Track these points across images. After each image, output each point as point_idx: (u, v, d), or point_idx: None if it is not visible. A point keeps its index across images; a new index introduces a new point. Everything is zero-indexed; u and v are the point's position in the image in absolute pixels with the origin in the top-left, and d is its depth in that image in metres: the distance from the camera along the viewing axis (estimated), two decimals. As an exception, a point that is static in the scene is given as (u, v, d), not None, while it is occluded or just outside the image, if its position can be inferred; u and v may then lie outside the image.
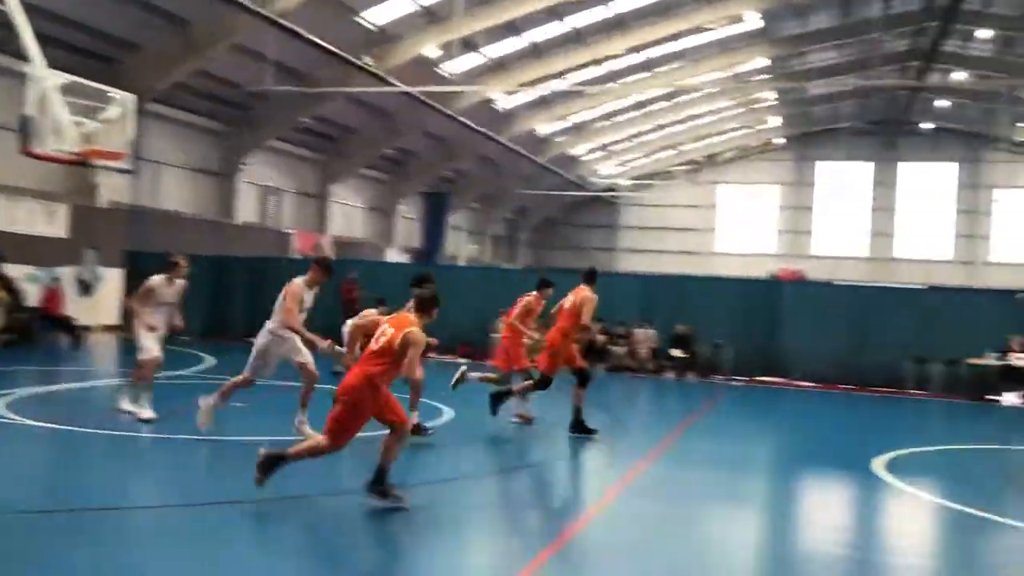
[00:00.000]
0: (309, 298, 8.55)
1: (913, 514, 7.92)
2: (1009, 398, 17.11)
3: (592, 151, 44.05)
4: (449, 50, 26.75)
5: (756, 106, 42.28)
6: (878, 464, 9.21)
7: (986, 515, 7.36)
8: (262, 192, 29.70)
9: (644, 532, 6.48)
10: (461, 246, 42.77)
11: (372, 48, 25.08)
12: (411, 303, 7.29)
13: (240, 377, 8.67)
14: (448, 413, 11.07)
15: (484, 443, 9.75)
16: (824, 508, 8.20)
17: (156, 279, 9.25)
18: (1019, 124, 42.31)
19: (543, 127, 36.80)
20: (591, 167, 45.92)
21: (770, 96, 40.47)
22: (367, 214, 36.34)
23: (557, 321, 10.22)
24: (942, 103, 42.23)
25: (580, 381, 10.04)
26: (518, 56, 29.89)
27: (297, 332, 8.36)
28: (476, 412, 10.42)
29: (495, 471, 8.45)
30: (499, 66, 29.92)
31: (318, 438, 6.43)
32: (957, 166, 46.56)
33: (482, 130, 31.14)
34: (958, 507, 7.74)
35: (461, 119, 29.57)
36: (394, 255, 35.14)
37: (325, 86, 25.21)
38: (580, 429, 9.91)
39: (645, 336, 19.12)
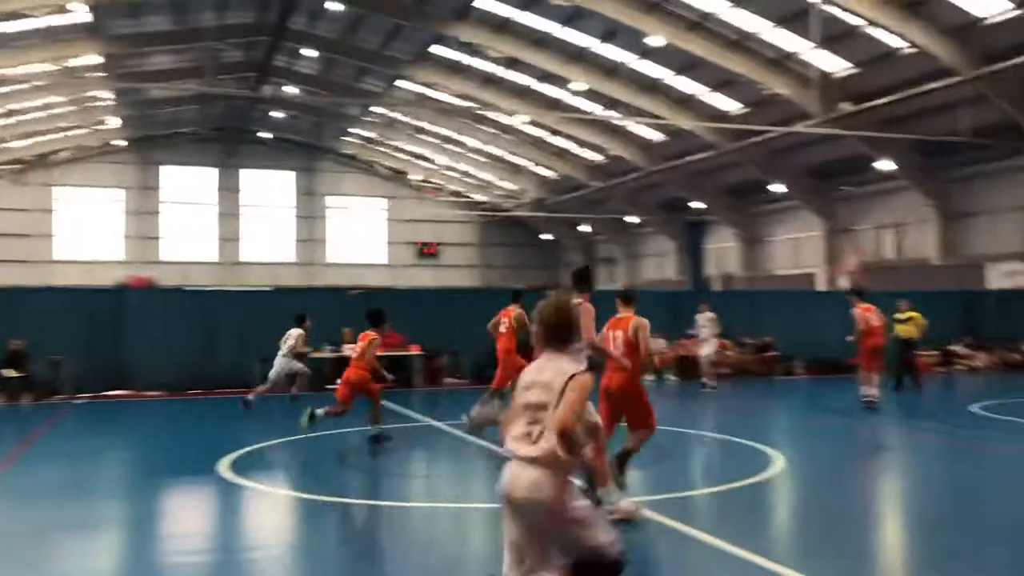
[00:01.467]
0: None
1: (261, 508, 8.19)
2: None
3: None
4: None
5: (93, 104, 39.78)
6: (223, 465, 9.34)
7: (325, 498, 7.99)
8: None
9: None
10: None
11: None
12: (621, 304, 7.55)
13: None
14: None
15: None
16: (176, 519, 7.99)
17: None
18: (343, 138, 47.39)
19: None
20: None
21: (107, 95, 38.43)
22: None
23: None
24: (278, 114, 44.97)
25: None
26: None
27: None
28: None
29: None
30: None
31: (640, 433, 7.36)
32: (295, 174, 50.10)
33: None
34: (300, 494, 8.28)
35: None
36: None
37: None
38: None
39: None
